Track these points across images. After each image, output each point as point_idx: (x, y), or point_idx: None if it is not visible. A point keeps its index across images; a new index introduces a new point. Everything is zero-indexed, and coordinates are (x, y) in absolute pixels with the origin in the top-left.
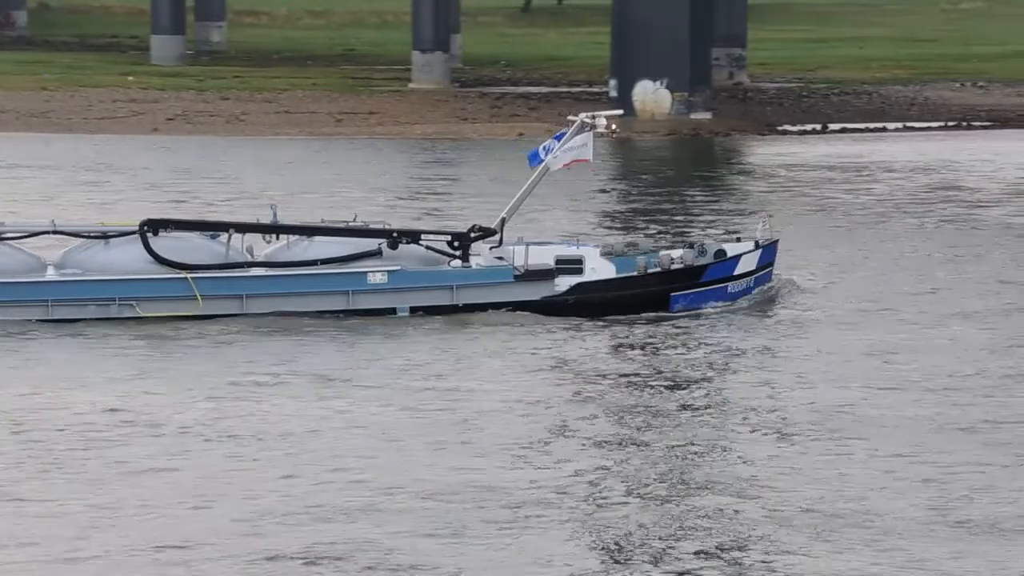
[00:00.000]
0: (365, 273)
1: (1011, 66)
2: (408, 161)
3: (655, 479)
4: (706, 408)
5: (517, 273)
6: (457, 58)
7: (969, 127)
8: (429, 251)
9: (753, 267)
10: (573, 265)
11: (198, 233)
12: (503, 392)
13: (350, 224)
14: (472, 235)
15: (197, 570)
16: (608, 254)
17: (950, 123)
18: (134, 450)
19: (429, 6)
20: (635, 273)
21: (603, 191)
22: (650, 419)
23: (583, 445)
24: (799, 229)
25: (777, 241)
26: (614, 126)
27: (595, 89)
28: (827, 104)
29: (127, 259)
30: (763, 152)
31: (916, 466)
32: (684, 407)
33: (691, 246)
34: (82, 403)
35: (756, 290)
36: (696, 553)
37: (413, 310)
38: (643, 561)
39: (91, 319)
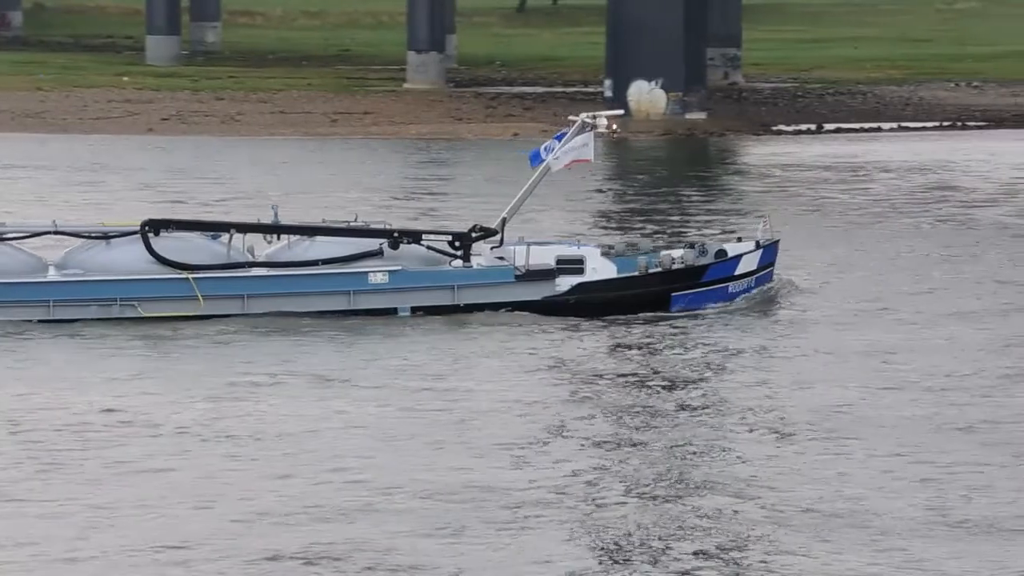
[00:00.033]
0: (366, 273)
1: (1005, 66)
2: (403, 161)
3: (653, 479)
4: (705, 408)
5: (518, 273)
6: (452, 58)
7: (964, 127)
8: (430, 251)
9: (754, 267)
10: (574, 265)
11: (199, 233)
12: (502, 392)
13: (351, 224)
14: (473, 235)
15: (196, 570)
16: (609, 254)
17: (945, 123)
18: (133, 450)
19: (424, 6)
20: (636, 273)
21: (599, 191)
22: (649, 419)
23: (582, 445)
24: (795, 229)
25: (778, 241)
26: (615, 126)
27: (590, 89)
28: (822, 104)
29: (128, 259)
30: (758, 152)
31: (914, 466)
32: (683, 407)
33: (692, 246)
34: (81, 403)
35: (756, 290)
36: (694, 553)
37: (414, 310)
38: (641, 561)
39: (92, 319)
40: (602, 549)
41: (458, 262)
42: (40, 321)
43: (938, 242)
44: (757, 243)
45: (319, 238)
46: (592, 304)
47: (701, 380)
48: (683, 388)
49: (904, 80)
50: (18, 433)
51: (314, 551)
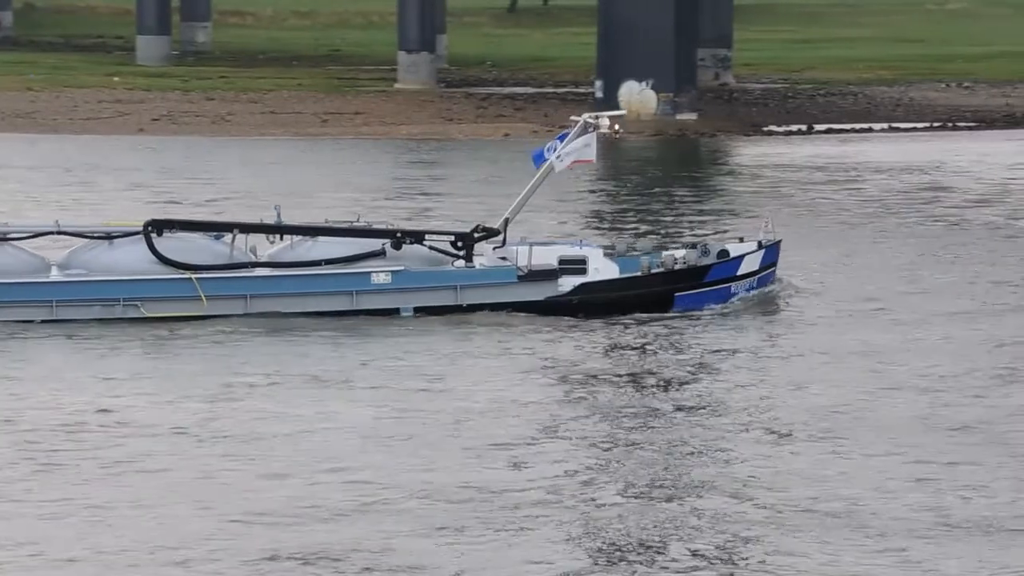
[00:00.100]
0: (369, 273)
1: (996, 67)
2: (394, 161)
3: (651, 479)
4: (703, 409)
5: (521, 273)
6: (443, 58)
7: (954, 128)
8: (433, 251)
9: (756, 267)
10: (577, 265)
11: (202, 233)
12: (501, 392)
13: (354, 224)
14: (476, 235)
15: (195, 570)
16: (611, 254)
17: (935, 124)
18: (130, 450)
19: (415, 7)
20: (639, 273)
21: (590, 191)
22: (647, 419)
23: (580, 445)
24: (787, 229)
25: (780, 241)
26: (617, 126)
27: (581, 90)
28: (813, 105)
29: (131, 259)
30: (749, 153)
31: (911, 466)
32: (681, 407)
33: (694, 246)
34: (78, 403)
35: (758, 290)
36: (692, 553)
37: (417, 310)
38: (639, 561)
39: (95, 319)
40: (599, 549)
41: (460, 262)
42: (43, 321)
43: (931, 243)
44: (759, 243)
45: (322, 238)
46: (595, 304)
47: (700, 380)
48: (682, 388)
49: (895, 81)
50: (15, 433)
51: (312, 551)
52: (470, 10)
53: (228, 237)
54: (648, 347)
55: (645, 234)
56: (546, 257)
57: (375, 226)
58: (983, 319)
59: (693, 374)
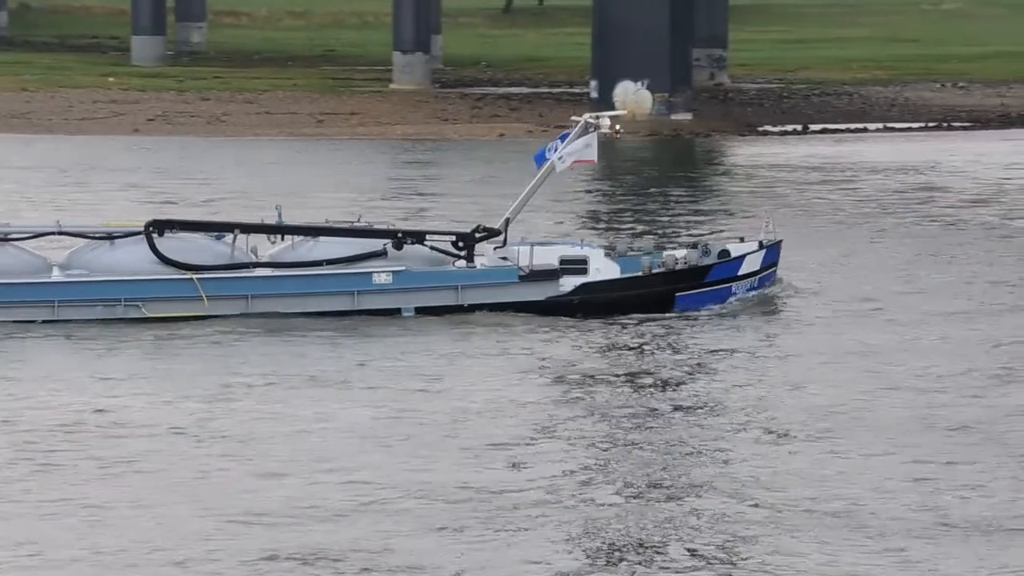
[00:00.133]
0: (370, 273)
1: (991, 67)
2: (390, 162)
3: (649, 479)
4: (702, 409)
5: (522, 273)
6: (438, 59)
7: (949, 128)
8: (434, 251)
9: (757, 267)
10: (578, 265)
11: (203, 234)
12: (501, 393)
13: (355, 225)
14: (477, 235)
15: (193, 571)
16: (612, 254)
17: (930, 124)
18: (129, 451)
19: (410, 7)
20: (640, 273)
21: (587, 191)
22: (646, 420)
23: (579, 446)
24: (784, 230)
25: (781, 241)
26: (618, 127)
27: (576, 90)
28: (808, 105)
29: (132, 260)
30: (744, 153)
31: (909, 465)
32: (680, 408)
33: (695, 246)
34: (76, 403)
35: (759, 290)
36: (690, 553)
37: (418, 310)
38: (637, 562)
39: (97, 320)
40: (598, 550)
41: (462, 262)
42: (44, 322)
43: (927, 243)
44: (760, 243)
45: (323, 238)
46: (596, 304)
47: (699, 381)
48: (681, 388)
49: (890, 81)
50: (15, 433)
51: (311, 551)
52: (465, 10)
53: (229, 237)
54: (648, 347)
55: (641, 234)
56: (547, 257)
57: (376, 226)
58: (980, 319)
59: (692, 374)
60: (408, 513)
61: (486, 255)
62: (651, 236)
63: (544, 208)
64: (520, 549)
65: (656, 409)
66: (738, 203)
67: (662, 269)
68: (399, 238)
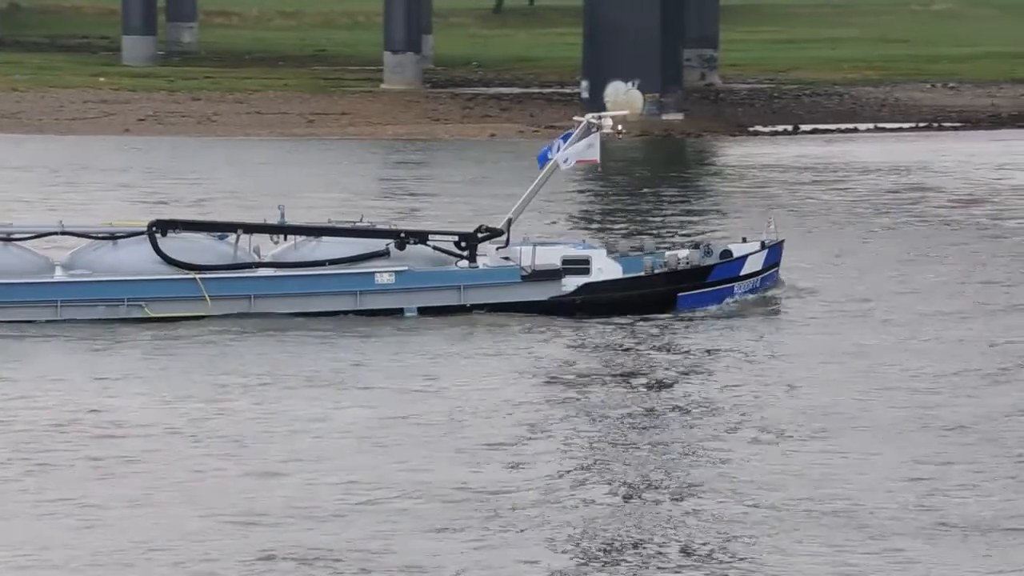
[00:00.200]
0: (373, 273)
1: (982, 67)
2: (381, 162)
3: (647, 480)
4: (700, 409)
5: (524, 273)
6: (429, 59)
7: (940, 128)
8: (436, 251)
9: (759, 267)
10: (580, 265)
11: (206, 234)
12: (500, 393)
13: (357, 225)
14: (479, 235)
15: (191, 571)
16: (614, 254)
17: (921, 124)
18: (125, 451)
19: (400, 7)
20: (642, 273)
21: (579, 192)
22: (644, 420)
23: (577, 446)
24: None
25: (783, 242)
26: (620, 127)
27: (567, 90)
28: (798, 105)
29: (135, 260)
30: (735, 153)
31: (907, 466)
32: (678, 408)
33: (697, 246)
34: (76, 404)
35: (758, 291)
36: (687, 553)
37: (421, 310)
38: (635, 562)
39: (100, 319)
40: (595, 550)
41: (464, 263)
42: (47, 321)
43: (920, 243)
44: (762, 243)
45: (325, 239)
46: (598, 304)
47: (698, 381)
48: (679, 389)
49: (880, 81)
50: (11, 433)
51: (307, 551)
52: (456, 10)
53: (232, 237)
54: (647, 348)
55: (633, 235)
56: (549, 257)
57: (379, 226)
58: (974, 319)
59: (690, 374)
60: (406, 513)
61: (488, 255)
62: (645, 237)
63: (537, 208)
64: (518, 549)
65: (654, 409)
66: (730, 204)
67: (664, 269)
68: (402, 238)
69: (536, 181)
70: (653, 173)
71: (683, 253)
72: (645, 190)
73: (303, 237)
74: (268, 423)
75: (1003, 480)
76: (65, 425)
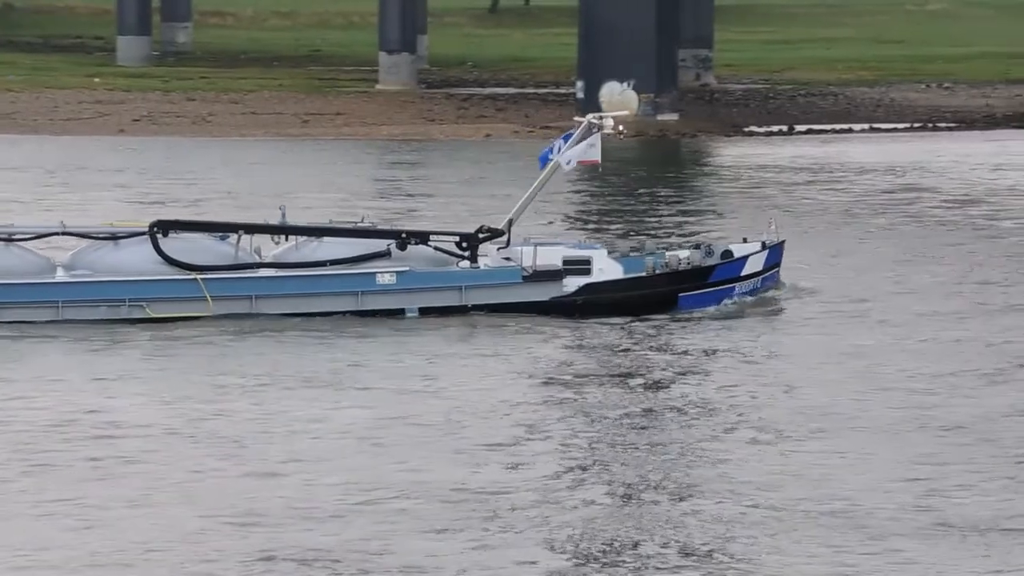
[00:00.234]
0: (374, 274)
1: (976, 67)
2: (376, 162)
3: (646, 480)
4: (697, 409)
5: (526, 274)
6: (424, 59)
7: (935, 128)
8: (438, 252)
9: (760, 268)
10: (581, 266)
11: (207, 234)
12: (500, 394)
13: (358, 225)
14: (480, 236)
15: (189, 571)
16: (615, 255)
17: (916, 124)
18: (124, 451)
19: (395, 7)
20: (643, 274)
21: (574, 192)
22: (642, 421)
23: (575, 447)
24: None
25: (784, 242)
26: (622, 127)
27: (562, 90)
28: (793, 105)
29: (137, 260)
30: (730, 153)
31: (905, 465)
32: (675, 409)
33: (698, 247)
34: (74, 405)
35: (759, 291)
36: (685, 554)
37: (422, 311)
38: (631, 562)
39: (101, 320)
40: (593, 550)
41: (465, 263)
42: (48, 322)
43: (916, 243)
44: (763, 244)
45: (327, 239)
46: (599, 305)
47: (696, 382)
48: (677, 390)
49: (875, 81)
50: (9, 433)
51: (306, 552)
52: (451, 10)
53: (233, 238)
54: (645, 348)
55: (628, 235)
56: (550, 258)
57: (380, 227)
58: (972, 320)
59: (688, 375)
60: (405, 513)
61: (489, 255)
62: (641, 237)
63: (532, 209)
64: (517, 550)
65: (652, 409)
66: (726, 204)
67: (666, 270)
68: (403, 239)
69: (537, 182)
70: (649, 173)
71: (684, 254)
72: (640, 191)
73: (304, 237)
74: (267, 424)
75: (1001, 480)
76: (64, 425)
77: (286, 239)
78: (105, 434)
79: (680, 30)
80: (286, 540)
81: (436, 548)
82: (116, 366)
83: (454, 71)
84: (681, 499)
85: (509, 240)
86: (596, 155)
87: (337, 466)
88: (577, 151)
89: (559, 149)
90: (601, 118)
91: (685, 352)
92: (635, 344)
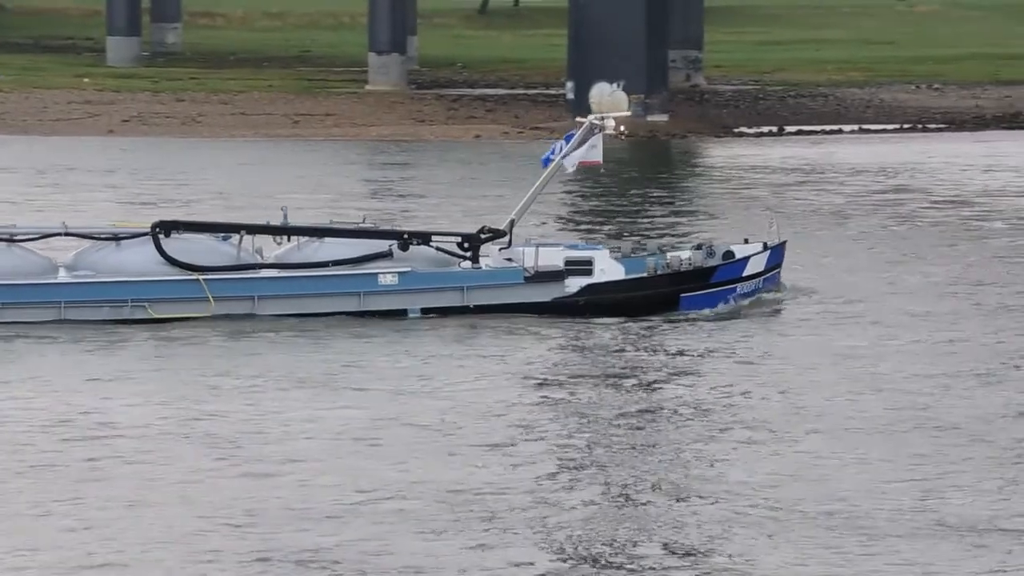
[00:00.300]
0: (376, 275)
1: (966, 68)
2: (366, 163)
3: (643, 481)
4: (695, 411)
5: (527, 275)
6: (413, 60)
7: (924, 129)
8: (439, 253)
9: (761, 268)
10: (583, 266)
11: (209, 235)
12: (499, 394)
13: (360, 226)
14: (482, 236)
15: (187, 571)
16: (616, 255)
17: (905, 125)
18: (121, 452)
19: (385, 8)
20: (645, 274)
21: (567, 193)
22: (640, 421)
23: (572, 448)
24: (764, 232)
25: (785, 243)
26: (623, 127)
27: (552, 91)
28: (783, 106)
29: (139, 261)
30: (720, 154)
31: (901, 466)
32: (673, 410)
33: (700, 247)
34: (72, 405)
35: (761, 292)
36: (683, 554)
37: (424, 311)
38: (630, 562)
39: (103, 320)
40: (590, 550)
41: (467, 263)
42: (51, 322)
43: (909, 244)
44: (765, 244)
45: (328, 240)
46: (601, 305)
47: (693, 383)
48: (675, 390)
49: (865, 82)
50: (7, 433)
51: (302, 553)
52: (440, 11)
53: (235, 238)
54: (642, 349)
55: (620, 236)
56: (552, 258)
57: (381, 227)
58: (967, 320)
59: (686, 376)
60: (402, 514)
61: (491, 256)
62: (635, 238)
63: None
64: (514, 550)
65: (649, 411)
66: (718, 205)
67: (667, 270)
68: (405, 239)
69: (538, 182)
70: (639, 174)
71: (686, 254)
72: (632, 191)
73: (306, 238)
74: (263, 424)
75: (996, 480)
76: (60, 426)
77: (288, 240)
78: (101, 435)
79: (670, 31)
80: (282, 541)
81: (433, 548)
82: (113, 367)
83: (444, 72)
84: (677, 500)
85: (511, 241)
86: (598, 156)
87: (333, 467)
88: (579, 152)
89: (561, 150)
90: (603, 119)
91: (680, 353)
92: (631, 345)
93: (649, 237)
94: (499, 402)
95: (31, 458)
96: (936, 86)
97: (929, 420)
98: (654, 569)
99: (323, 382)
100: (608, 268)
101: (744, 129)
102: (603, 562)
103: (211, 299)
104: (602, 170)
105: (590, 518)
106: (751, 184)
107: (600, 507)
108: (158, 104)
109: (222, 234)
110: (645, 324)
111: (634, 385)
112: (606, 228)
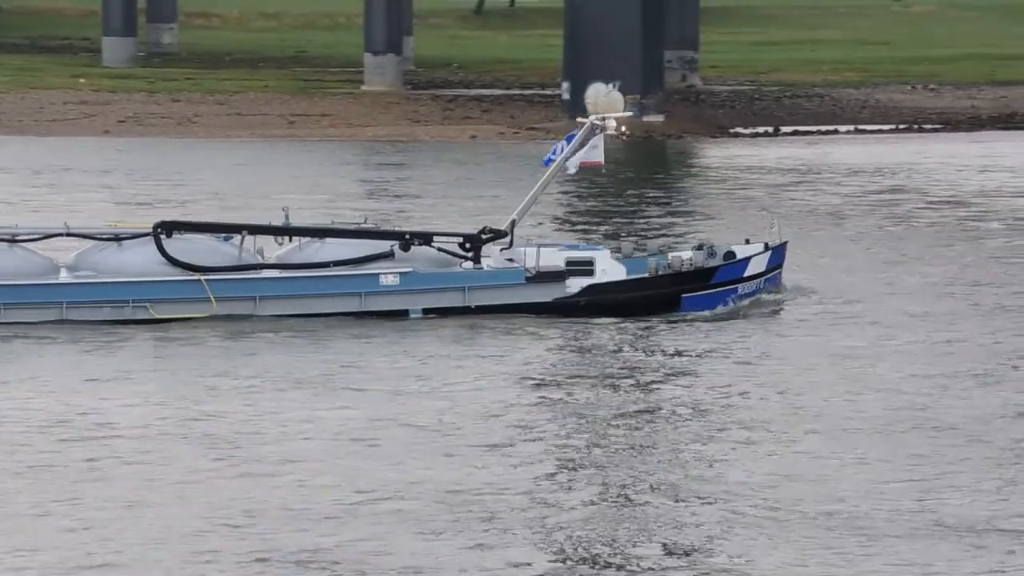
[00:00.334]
0: (377, 275)
1: (962, 69)
2: (362, 163)
3: (642, 481)
4: (694, 411)
5: (529, 275)
6: (409, 60)
7: (920, 130)
8: (441, 253)
9: (763, 269)
10: (584, 267)
11: (211, 235)
12: (498, 395)
13: (362, 226)
14: (484, 237)
15: (186, 571)
16: (618, 256)
17: (901, 126)
18: (120, 453)
19: (381, 8)
20: (646, 275)
21: (563, 193)
22: (639, 422)
23: (571, 448)
24: (762, 233)
25: (786, 243)
26: (624, 128)
27: (548, 92)
28: (779, 107)
29: (140, 261)
30: (716, 155)
31: (898, 466)
32: (672, 410)
33: (701, 248)
34: (71, 406)
35: (762, 292)
36: (681, 554)
37: (425, 311)
38: (629, 562)
39: (104, 321)
40: (589, 551)
41: (468, 264)
42: (52, 323)
43: (906, 244)
44: (766, 245)
45: (330, 240)
46: (602, 305)
47: (692, 384)
48: (674, 391)
49: (861, 83)
50: (6, 434)
51: (300, 553)
52: (436, 12)
53: (237, 239)
54: (641, 350)
55: (616, 236)
56: (553, 259)
57: (383, 228)
58: (964, 320)
59: (684, 377)
60: (401, 515)
61: (492, 256)
62: (633, 238)
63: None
64: (513, 550)
65: (648, 411)
66: (714, 206)
67: (668, 271)
68: (406, 240)
69: (540, 183)
70: (636, 175)
71: (687, 255)
72: (628, 192)
73: (308, 238)
74: (262, 425)
75: (994, 480)
76: (59, 426)
77: (289, 240)
78: (100, 435)
79: (666, 31)
80: (281, 541)
81: (432, 548)
82: (112, 367)
83: (440, 72)
84: (676, 500)
85: (512, 241)
86: (599, 156)
87: (332, 467)
88: (581, 153)
89: (561, 151)
90: (604, 119)
91: (679, 353)
92: (630, 345)
93: (646, 237)
94: (498, 402)
95: (30, 458)
96: (932, 86)
97: (927, 420)
98: (653, 569)
99: (322, 382)
100: (609, 268)
101: (740, 129)
102: (602, 562)
103: (213, 299)
104: (603, 170)
105: (589, 518)
106: (747, 184)
107: (599, 507)
108: (154, 104)
109: (223, 234)
110: (644, 325)
111: (633, 386)
112: (603, 228)
